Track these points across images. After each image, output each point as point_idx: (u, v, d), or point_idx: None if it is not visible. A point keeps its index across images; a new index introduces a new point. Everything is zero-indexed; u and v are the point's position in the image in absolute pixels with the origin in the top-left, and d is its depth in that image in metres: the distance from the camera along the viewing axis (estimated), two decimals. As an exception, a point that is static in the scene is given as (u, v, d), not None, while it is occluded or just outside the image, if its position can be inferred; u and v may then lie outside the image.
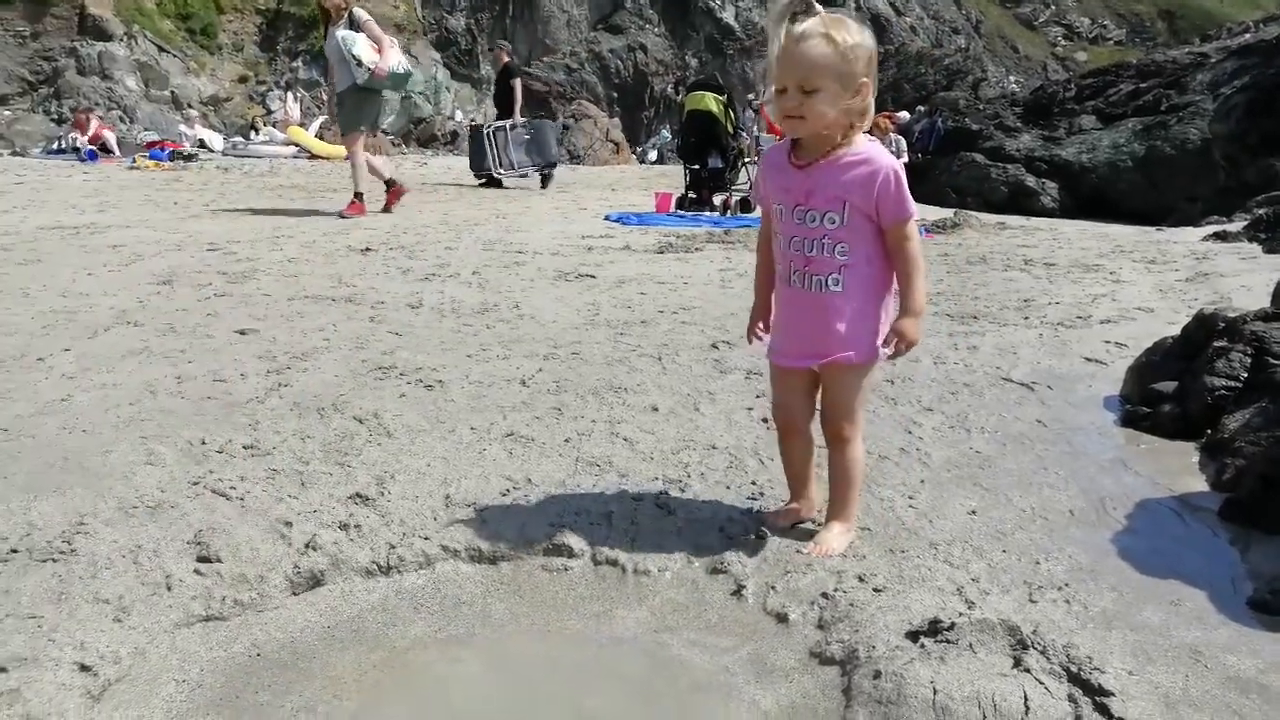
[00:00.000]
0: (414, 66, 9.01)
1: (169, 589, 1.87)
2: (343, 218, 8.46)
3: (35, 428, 2.72)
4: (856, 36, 1.85)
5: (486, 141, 13.67)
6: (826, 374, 2.07)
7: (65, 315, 4.18)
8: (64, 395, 3.04)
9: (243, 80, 30.15)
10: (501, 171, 13.66)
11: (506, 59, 14.49)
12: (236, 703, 1.58)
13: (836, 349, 2.00)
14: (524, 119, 14.09)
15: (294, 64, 31.32)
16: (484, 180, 13.62)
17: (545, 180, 13.75)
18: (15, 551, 1.96)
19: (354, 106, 8.59)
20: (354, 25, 8.40)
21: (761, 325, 2.19)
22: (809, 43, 1.83)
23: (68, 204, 9.26)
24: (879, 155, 1.95)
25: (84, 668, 1.59)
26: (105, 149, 18.04)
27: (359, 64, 8.23)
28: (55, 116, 23.34)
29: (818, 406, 2.15)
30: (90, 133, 18.26)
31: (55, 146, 18.30)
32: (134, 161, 16.25)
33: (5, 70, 26.66)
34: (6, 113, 23.36)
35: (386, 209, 8.99)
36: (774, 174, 2.05)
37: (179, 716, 1.54)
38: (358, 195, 8.74)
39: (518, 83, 14.00)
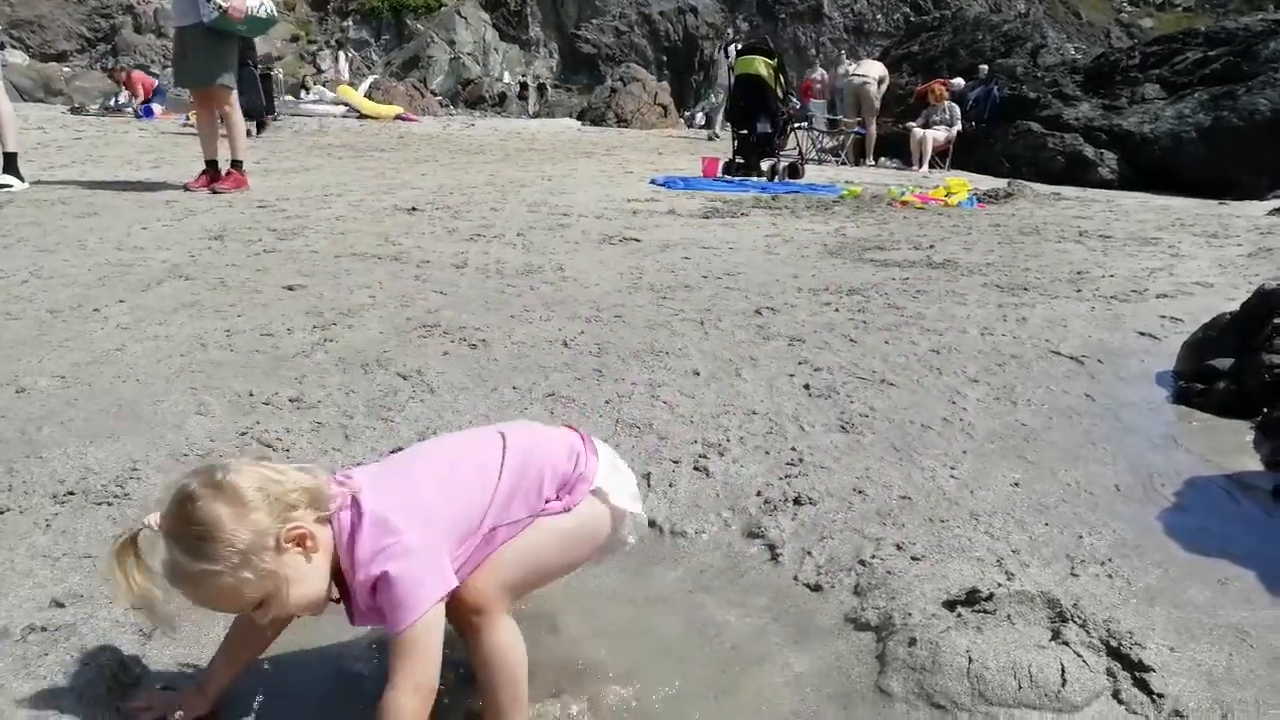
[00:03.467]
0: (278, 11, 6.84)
1: (217, 535, 1.92)
2: (215, 193, 6.91)
3: (92, 376, 2.80)
4: None
5: None
6: None
7: (120, 268, 4.27)
8: (119, 345, 3.11)
9: (294, 39, 30.33)
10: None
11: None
12: (278, 648, 1.62)
13: None
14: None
15: (344, 23, 31.43)
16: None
17: (257, 126, 13.50)
18: (72, 494, 2.03)
19: (206, 52, 6.74)
20: None
21: None
22: None
23: (124, 160, 9.43)
24: None
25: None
26: (154, 97, 17.97)
27: None
28: (112, 73, 23.68)
29: None
30: (139, 89, 18.18)
31: (112, 103, 18.38)
32: (188, 119, 16.45)
33: (65, 28, 27.14)
34: (66, 69, 23.79)
35: (212, 188, 6.99)
36: None
37: (225, 657, 1.58)
38: (236, 164, 7.18)
39: None
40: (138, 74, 19.09)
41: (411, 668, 1.29)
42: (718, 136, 16.66)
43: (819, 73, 20.83)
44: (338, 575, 1.36)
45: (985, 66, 15.65)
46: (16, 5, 25.97)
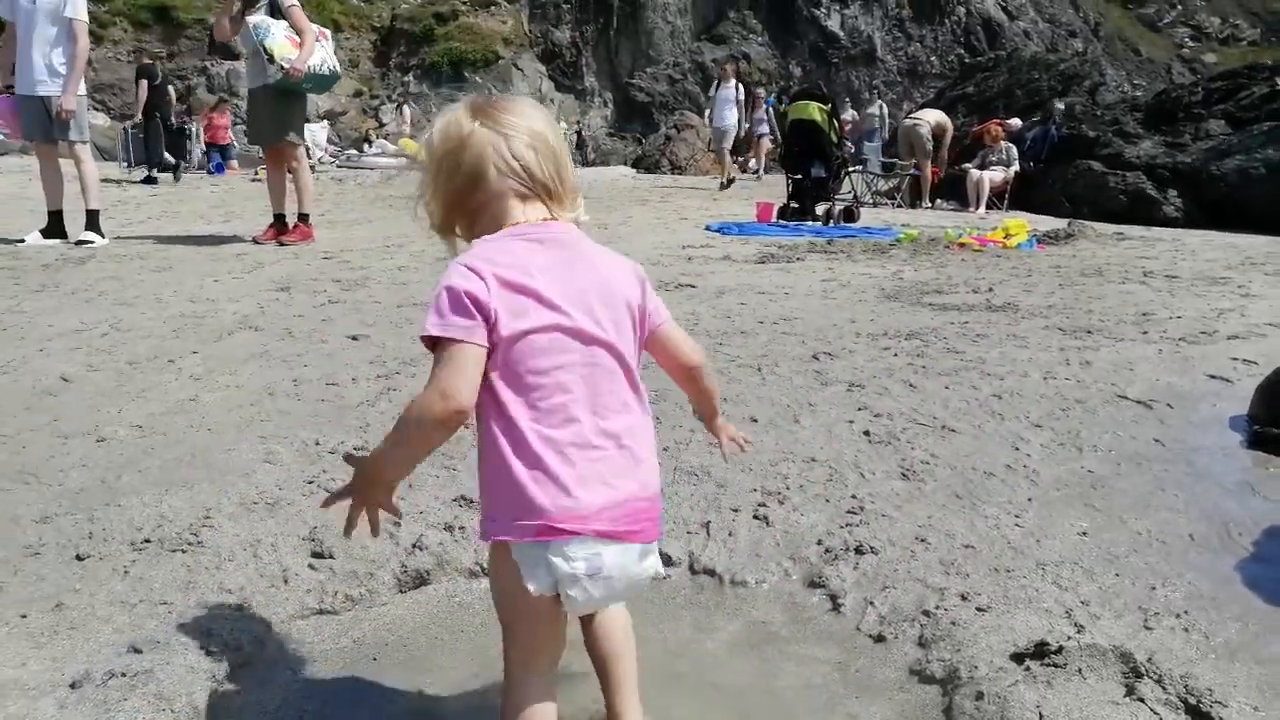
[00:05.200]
0: (340, 66, 7.19)
1: (286, 582, 1.96)
2: (282, 245, 7.19)
3: (166, 426, 2.90)
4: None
5: (127, 141, 15.66)
6: None
7: (194, 320, 4.43)
8: (192, 395, 3.22)
9: (357, 95, 31.39)
10: (126, 170, 15.13)
11: (146, 61, 16.23)
12: (346, 695, 1.65)
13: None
14: (138, 120, 15.25)
15: (405, 78, 32.45)
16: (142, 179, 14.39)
17: (174, 174, 14.74)
18: (149, 541, 2.10)
19: (274, 111, 7.07)
20: (275, 10, 6.90)
21: None
22: None
23: (196, 214, 9.80)
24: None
25: (209, 653, 1.68)
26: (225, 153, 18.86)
27: (270, 60, 6.78)
28: (188, 133, 24.66)
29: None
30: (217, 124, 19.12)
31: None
32: (256, 174, 17.06)
33: (143, 89, 28.43)
34: (143, 129, 24.85)
35: (279, 240, 7.26)
36: None
37: (293, 704, 1.61)
38: (303, 217, 7.43)
39: (143, 84, 15.02)
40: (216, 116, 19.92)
41: (438, 374, 1.31)
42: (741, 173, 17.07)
43: (849, 114, 20.85)
44: None
45: (1055, 103, 15.51)
46: (99, 70, 27.30)
